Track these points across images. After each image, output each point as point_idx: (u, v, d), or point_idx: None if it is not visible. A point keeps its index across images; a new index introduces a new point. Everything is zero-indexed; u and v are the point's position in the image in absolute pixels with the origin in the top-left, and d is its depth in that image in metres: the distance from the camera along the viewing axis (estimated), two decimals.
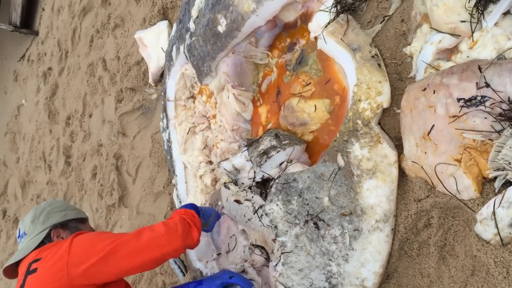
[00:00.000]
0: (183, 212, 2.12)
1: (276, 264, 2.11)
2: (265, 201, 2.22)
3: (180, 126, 3.22)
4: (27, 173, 6.96)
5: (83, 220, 2.29)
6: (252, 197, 2.37)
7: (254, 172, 2.39)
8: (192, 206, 2.22)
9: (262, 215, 2.28)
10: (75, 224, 2.21)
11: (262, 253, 2.34)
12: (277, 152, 2.24)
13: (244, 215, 2.41)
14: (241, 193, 2.44)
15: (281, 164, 2.28)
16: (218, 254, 2.63)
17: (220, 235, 2.68)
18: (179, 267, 3.13)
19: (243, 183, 2.54)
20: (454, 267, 1.67)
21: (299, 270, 2.03)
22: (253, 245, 2.41)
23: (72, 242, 1.84)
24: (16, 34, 8.24)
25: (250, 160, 2.41)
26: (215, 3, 2.57)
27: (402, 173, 1.85)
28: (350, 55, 2.00)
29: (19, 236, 2.16)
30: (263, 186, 2.38)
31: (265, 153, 2.28)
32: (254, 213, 2.34)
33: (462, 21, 1.66)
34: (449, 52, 1.76)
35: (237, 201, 2.45)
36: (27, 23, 8.14)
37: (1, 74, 9.38)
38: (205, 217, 2.31)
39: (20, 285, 1.87)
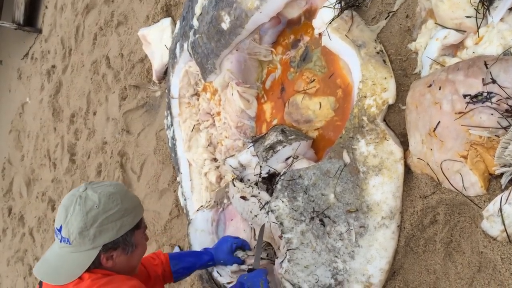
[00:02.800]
0: None
1: (282, 261, 2.11)
2: (271, 197, 2.22)
3: (184, 124, 3.23)
4: (32, 171, 6.99)
5: (139, 224, 1.89)
6: (259, 193, 2.37)
7: (260, 167, 2.39)
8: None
9: (268, 211, 2.28)
10: (129, 238, 1.81)
11: (267, 255, 2.35)
12: (284, 147, 2.24)
13: (251, 212, 2.41)
14: (247, 190, 2.44)
15: (287, 159, 2.28)
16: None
17: (226, 233, 2.69)
18: None
19: (249, 180, 2.54)
20: (461, 264, 1.67)
21: (305, 267, 2.03)
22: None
23: None
24: (20, 32, 8.26)
25: (256, 154, 2.41)
26: (219, 0, 2.57)
27: (407, 170, 1.85)
28: (355, 52, 1.99)
29: (59, 235, 1.75)
30: (269, 181, 2.38)
31: (271, 147, 2.28)
32: (260, 209, 2.34)
33: (468, 17, 1.65)
34: (455, 48, 1.75)
35: (243, 198, 2.45)
36: (30, 21, 8.15)
37: (5, 72, 9.41)
38: None
39: None
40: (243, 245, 2.39)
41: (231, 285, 2.18)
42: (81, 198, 1.73)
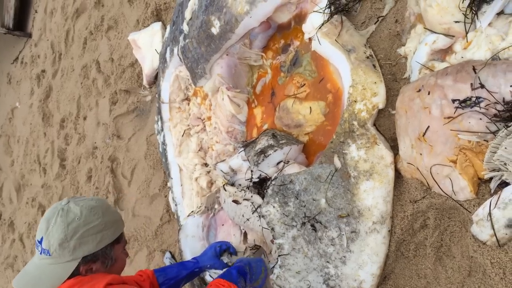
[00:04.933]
0: (215, 284, 1.91)
1: (274, 267, 2.10)
2: (263, 200, 2.22)
3: (175, 129, 3.21)
4: (22, 176, 6.93)
5: (119, 239, 1.89)
6: (251, 196, 2.37)
7: (251, 171, 2.39)
8: (237, 275, 2.01)
9: (260, 215, 2.27)
10: (109, 251, 1.82)
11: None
12: (275, 151, 2.24)
13: (243, 215, 2.40)
14: (239, 193, 2.43)
15: (278, 163, 2.28)
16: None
17: (217, 238, 2.68)
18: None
19: (240, 185, 2.53)
20: (451, 268, 1.67)
21: (296, 272, 2.02)
22: (251, 247, 2.40)
23: None
24: (9, 36, 8.19)
25: (247, 159, 2.40)
26: (209, 5, 2.56)
27: (397, 174, 1.85)
28: (344, 56, 1.99)
29: (40, 247, 1.76)
30: (260, 186, 2.37)
31: (262, 152, 2.28)
32: (253, 213, 2.33)
33: (456, 22, 1.66)
34: (444, 52, 1.76)
35: (235, 202, 2.44)
36: (20, 25, 8.10)
37: None
38: (253, 279, 2.13)
39: None
40: (228, 248, 2.38)
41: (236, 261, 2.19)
42: (63, 210, 1.74)
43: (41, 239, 1.73)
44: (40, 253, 1.74)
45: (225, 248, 2.38)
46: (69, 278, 1.71)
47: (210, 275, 2.53)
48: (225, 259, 2.36)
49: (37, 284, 1.71)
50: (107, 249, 1.80)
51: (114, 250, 1.84)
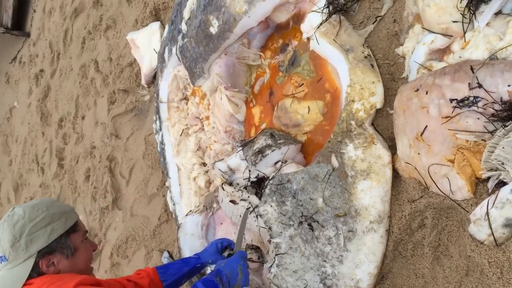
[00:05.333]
0: None
1: (271, 266, 2.10)
2: (260, 200, 2.22)
3: (173, 128, 3.21)
4: (20, 176, 6.92)
5: (74, 228, 1.88)
6: (248, 197, 2.37)
7: (249, 171, 2.39)
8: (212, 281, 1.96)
9: (258, 215, 2.27)
10: (65, 241, 1.81)
11: (259, 258, 2.34)
12: (272, 151, 2.24)
13: (240, 216, 2.40)
14: (236, 193, 2.43)
15: (276, 163, 2.27)
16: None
17: (216, 237, 2.67)
18: None
19: (238, 184, 2.53)
20: (449, 268, 1.67)
21: (293, 271, 2.02)
22: (249, 246, 2.40)
23: None
24: (8, 36, 8.18)
25: (245, 158, 2.40)
26: (207, 5, 2.56)
27: (395, 174, 1.85)
28: (343, 56, 1.99)
29: None
30: (258, 185, 2.37)
31: (260, 151, 2.28)
32: (250, 213, 2.33)
33: (454, 21, 1.66)
34: (442, 52, 1.76)
35: (233, 202, 2.44)
36: (19, 24, 8.09)
37: None
38: (231, 285, 2.05)
39: None
40: (229, 245, 2.38)
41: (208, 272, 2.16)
42: (8, 216, 1.79)
43: None
44: (0, 262, 1.77)
45: (226, 245, 2.37)
46: (34, 277, 1.73)
47: (210, 269, 2.51)
48: (227, 254, 2.34)
49: None
50: (61, 239, 1.80)
51: (70, 239, 1.84)
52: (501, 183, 1.49)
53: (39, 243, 1.74)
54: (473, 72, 1.51)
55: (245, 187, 2.43)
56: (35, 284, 1.68)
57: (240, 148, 2.50)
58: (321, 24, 2.10)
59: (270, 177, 2.21)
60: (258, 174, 2.35)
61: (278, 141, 2.28)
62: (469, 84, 1.51)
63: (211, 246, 2.37)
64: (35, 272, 1.73)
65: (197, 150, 3.03)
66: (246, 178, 2.41)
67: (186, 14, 2.79)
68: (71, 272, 1.82)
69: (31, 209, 1.79)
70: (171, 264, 2.31)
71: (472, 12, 1.61)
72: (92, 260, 1.99)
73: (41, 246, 1.74)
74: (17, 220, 1.75)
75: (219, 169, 2.64)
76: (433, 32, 1.75)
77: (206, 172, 2.94)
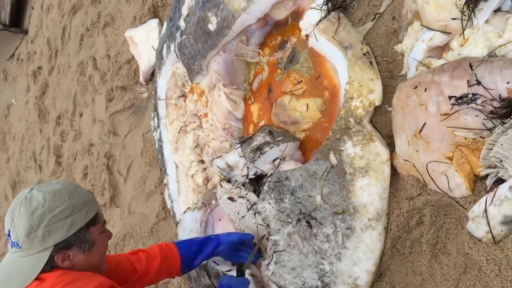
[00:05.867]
0: None
1: (269, 263, 2.10)
2: (259, 197, 2.21)
3: (171, 125, 3.20)
4: (17, 173, 6.90)
5: (94, 220, 1.75)
6: (246, 194, 2.36)
7: (248, 168, 2.38)
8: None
9: (255, 212, 2.27)
10: (84, 235, 1.69)
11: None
12: (271, 148, 2.24)
13: (238, 213, 2.40)
14: (235, 191, 2.42)
15: (274, 160, 2.27)
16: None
17: (214, 233, 2.67)
18: None
19: (236, 181, 2.52)
20: (446, 265, 1.67)
21: (291, 269, 2.02)
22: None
23: None
24: (5, 33, 8.16)
25: (244, 156, 2.40)
26: (206, 2, 2.56)
27: (394, 171, 1.85)
28: (341, 53, 1.99)
29: (10, 240, 1.66)
30: (256, 183, 2.37)
31: (259, 149, 2.27)
32: (248, 210, 2.33)
33: (453, 19, 1.66)
34: (440, 49, 1.76)
35: (231, 199, 2.44)
36: (17, 21, 8.07)
37: None
38: None
39: None
40: (248, 241, 2.31)
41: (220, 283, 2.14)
42: (26, 199, 1.64)
43: (9, 232, 1.64)
44: (11, 247, 1.66)
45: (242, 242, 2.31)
46: (47, 271, 1.62)
47: (214, 261, 2.50)
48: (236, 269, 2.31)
49: (11, 278, 1.63)
50: (80, 233, 1.68)
51: (89, 233, 1.72)
52: (500, 181, 1.49)
53: (57, 236, 1.62)
54: (472, 69, 1.51)
55: (243, 184, 2.43)
56: (47, 281, 1.59)
57: (239, 145, 2.49)
58: (320, 21, 2.10)
59: (269, 174, 2.21)
60: (256, 172, 2.34)
61: (277, 139, 2.28)
62: (468, 81, 1.51)
63: (232, 243, 2.28)
64: (49, 265, 1.63)
65: (195, 147, 3.02)
66: (245, 175, 2.41)
67: (184, 11, 2.78)
68: (86, 267, 1.71)
69: (52, 196, 1.64)
70: (190, 246, 2.24)
71: (471, 9, 1.61)
72: (107, 251, 1.88)
73: (58, 239, 1.62)
74: (36, 207, 1.61)
75: (217, 166, 2.63)
76: (432, 30, 1.75)
77: (204, 169, 2.93)
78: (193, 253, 2.23)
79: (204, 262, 2.38)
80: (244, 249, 2.32)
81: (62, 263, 1.65)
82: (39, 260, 1.62)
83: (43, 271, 1.62)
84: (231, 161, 2.52)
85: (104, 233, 1.84)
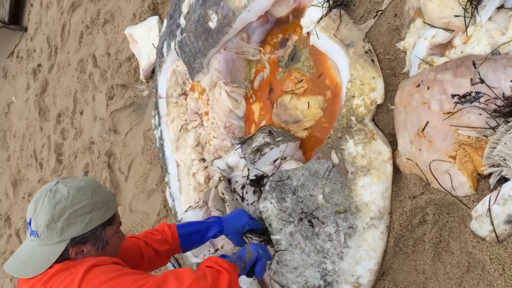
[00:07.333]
0: (210, 260, 1.88)
1: (271, 262, 2.09)
2: (259, 198, 2.20)
3: (172, 124, 3.19)
4: (18, 171, 6.90)
5: (111, 221, 1.82)
6: (246, 192, 2.37)
7: (248, 169, 2.37)
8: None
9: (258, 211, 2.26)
10: (100, 233, 1.76)
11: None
12: (271, 149, 2.22)
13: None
14: (227, 196, 2.45)
15: (275, 161, 2.26)
16: (216, 250, 2.61)
17: None
18: (173, 265, 3.12)
19: (236, 182, 2.52)
20: (450, 264, 1.66)
21: (293, 268, 2.01)
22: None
23: (82, 282, 1.58)
24: (5, 30, 8.15)
25: (244, 157, 2.39)
26: None
27: (396, 170, 1.84)
28: (343, 51, 1.98)
29: (29, 228, 1.73)
30: (257, 184, 2.36)
31: (259, 150, 2.26)
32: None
33: (456, 16, 1.64)
34: (443, 47, 1.74)
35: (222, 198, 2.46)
36: (16, 19, 8.06)
37: None
38: (240, 259, 2.03)
39: None
40: (255, 229, 2.26)
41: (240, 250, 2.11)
42: (51, 191, 1.71)
43: (30, 220, 1.71)
44: (30, 235, 1.72)
45: (252, 229, 2.26)
46: (60, 261, 1.67)
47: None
48: (246, 239, 2.23)
49: (26, 265, 1.69)
50: (97, 230, 1.74)
51: (105, 231, 1.79)
52: (503, 179, 1.49)
53: (74, 230, 1.69)
54: (475, 67, 1.50)
55: (244, 186, 2.42)
56: (54, 268, 1.65)
57: (239, 145, 2.48)
58: (321, 18, 2.08)
59: (270, 174, 2.20)
60: (257, 173, 2.33)
61: (277, 139, 2.27)
62: (471, 79, 1.50)
63: (239, 222, 2.25)
64: (63, 257, 1.69)
65: (196, 145, 3.01)
66: (245, 177, 2.40)
67: (184, 8, 2.76)
68: None
69: (76, 192, 1.71)
70: (191, 232, 2.26)
71: (474, 6, 1.60)
72: (118, 252, 1.92)
73: (76, 233, 1.69)
74: (59, 200, 1.68)
75: (218, 167, 2.63)
76: (435, 27, 1.74)
77: (206, 167, 2.92)
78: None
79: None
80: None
81: (75, 256, 1.71)
82: (55, 250, 1.68)
83: (57, 261, 1.67)
84: (231, 162, 2.51)
85: (118, 234, 1.89)
